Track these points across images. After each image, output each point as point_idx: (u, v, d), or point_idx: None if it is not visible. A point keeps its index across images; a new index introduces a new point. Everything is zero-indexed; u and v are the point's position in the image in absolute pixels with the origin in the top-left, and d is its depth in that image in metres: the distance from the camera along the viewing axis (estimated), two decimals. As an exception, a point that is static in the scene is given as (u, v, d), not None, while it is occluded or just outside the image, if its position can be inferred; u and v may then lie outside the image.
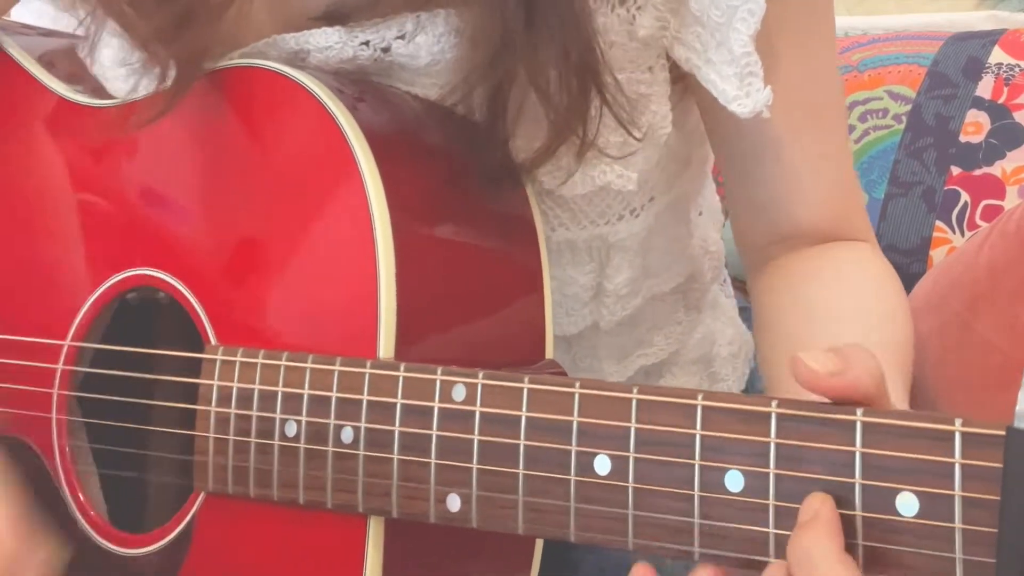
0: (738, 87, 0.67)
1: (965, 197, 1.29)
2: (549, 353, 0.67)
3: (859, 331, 0.70)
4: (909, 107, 1.36)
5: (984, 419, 0.94)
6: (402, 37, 0.66)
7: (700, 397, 0.50)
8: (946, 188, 1.30)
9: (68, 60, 0.76)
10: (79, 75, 0.75)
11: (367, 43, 0.67)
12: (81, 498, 0.69)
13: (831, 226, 0.76)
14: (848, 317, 0.72)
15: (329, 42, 0.67)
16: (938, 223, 1.30)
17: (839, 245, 0.77)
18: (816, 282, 0.75)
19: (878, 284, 0.75)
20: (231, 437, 0.62)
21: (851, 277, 0.75)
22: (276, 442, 0.60)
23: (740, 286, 1.63)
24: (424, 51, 0.66)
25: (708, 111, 0.75)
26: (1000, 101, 1.31)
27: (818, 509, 0.47)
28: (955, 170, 1.30)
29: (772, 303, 0.77)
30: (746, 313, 0.97)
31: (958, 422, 0.45)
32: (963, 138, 1.31)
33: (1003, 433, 0.44)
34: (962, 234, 1.28)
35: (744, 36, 0.65)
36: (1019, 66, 1.32)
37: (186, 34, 0.64)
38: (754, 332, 0.78)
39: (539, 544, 0.65)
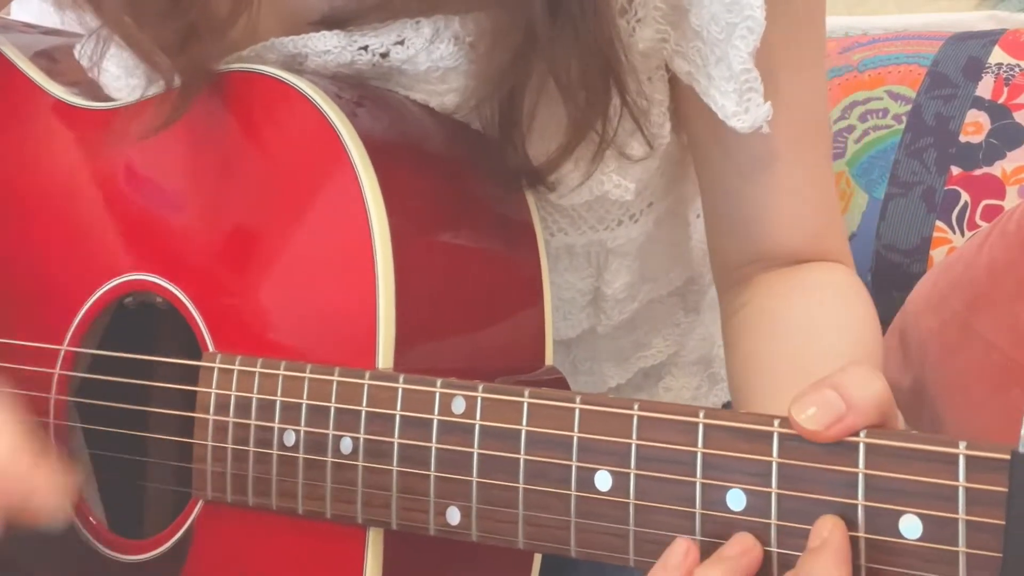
0: (737, 103, 0.67)
1: (965, 197, 1.29)
2: (549, 359, 0.67)
3: (825, 346, 0.69)
4: (909, 107, 1.36)
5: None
6: (401, 43, 0.66)
7: (702, 415, 0.50)
8: (946, 188, 1.30)
9: (67, 60, 0.75)
10: (78, 76, 0.74)
11: (366, 48, 0.66)
12: (79, 503, 0.69)
13: (809, 247, 0.75)
14: (815, 333, 0.70)
15: (328, 46, 0.66)
16: (938, 223, 1.30)
17: (813, 265, 0.75)
18: (786, 300, 0.73)
19: (848, 302, 0.74)
20: (229, 446, 0.62)
21: (822, 295, 0.74)
22: (275, 451, 0.60)
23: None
24: (423, 57, 0.65)
25: (697, 125, 0.74)
26: (1000, 101, 1.30)
27: (828, 535, 0.47)
28: (955, 170, 1.30)
29: (739, 323, 0.75)
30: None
31: (962, 445, 0.45)
32: (963, 138, 1.30)
33: (1008, 457, 0.44)
34: (962, 234, 1.27)
35: (743, 53, 0.65)
36: (1019, 66, 1.32)
37: (191, 49, 0.64)
38: (725, 355, 0.77)
39: (537, 556, 0.65)
